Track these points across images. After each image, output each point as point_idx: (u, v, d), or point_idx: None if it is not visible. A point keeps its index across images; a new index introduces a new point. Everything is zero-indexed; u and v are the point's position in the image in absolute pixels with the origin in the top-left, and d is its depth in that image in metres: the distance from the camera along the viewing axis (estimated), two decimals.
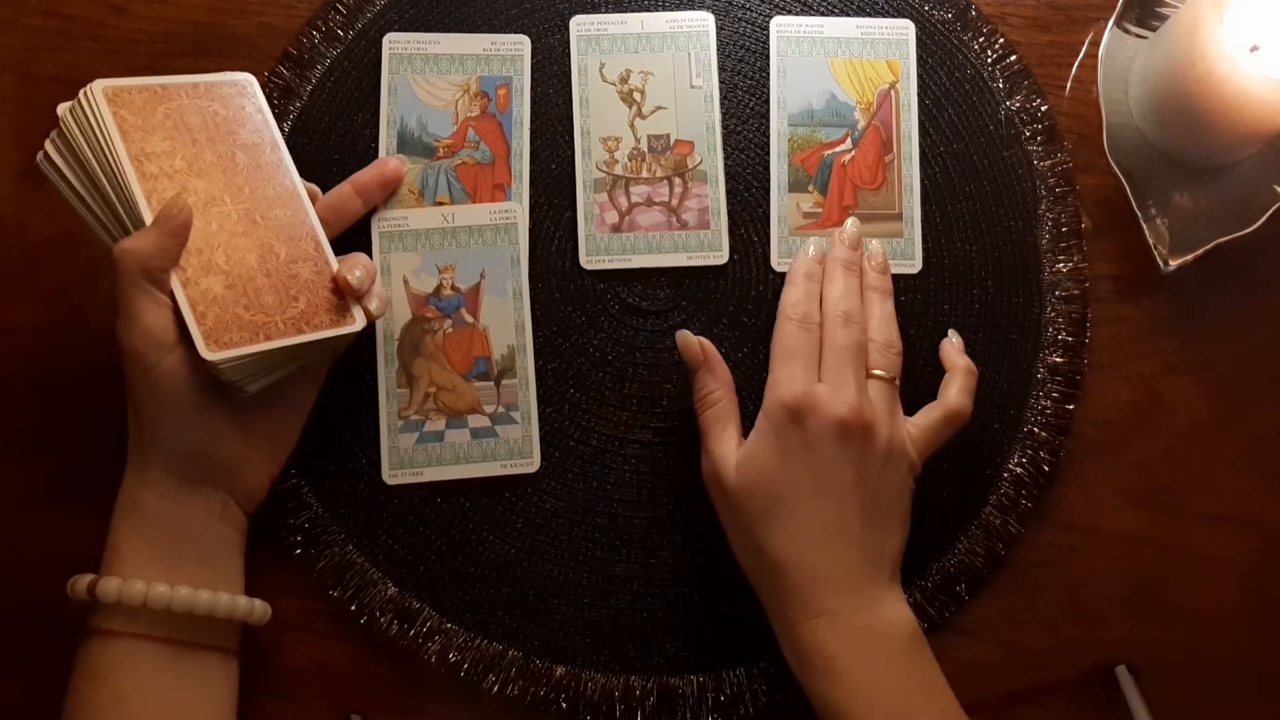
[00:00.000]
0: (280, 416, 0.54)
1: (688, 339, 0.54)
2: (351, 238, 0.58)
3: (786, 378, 0.51)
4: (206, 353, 0.48)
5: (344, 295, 0.52)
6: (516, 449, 0.57)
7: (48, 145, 0.51)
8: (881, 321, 0.55)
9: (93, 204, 0.51)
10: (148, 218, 0.49)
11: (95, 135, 0.50)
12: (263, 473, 0.53)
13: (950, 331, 0.58)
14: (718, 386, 0.54)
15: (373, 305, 0.53)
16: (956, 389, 0.54)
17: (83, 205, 0.51)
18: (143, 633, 0.48)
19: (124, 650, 0.48)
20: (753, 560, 0.51)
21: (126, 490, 0.50)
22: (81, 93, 0.50)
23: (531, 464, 0.57)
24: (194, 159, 0.52)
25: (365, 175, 0.56)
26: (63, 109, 0.51)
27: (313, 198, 0.55)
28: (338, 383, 0.57)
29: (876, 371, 0.53)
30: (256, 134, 0.54)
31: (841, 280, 0.55)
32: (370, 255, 0.58)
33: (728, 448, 0.52)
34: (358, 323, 0.52)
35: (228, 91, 0.54)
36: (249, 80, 0.55)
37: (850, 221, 0.58)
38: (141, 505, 0.50)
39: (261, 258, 0.51)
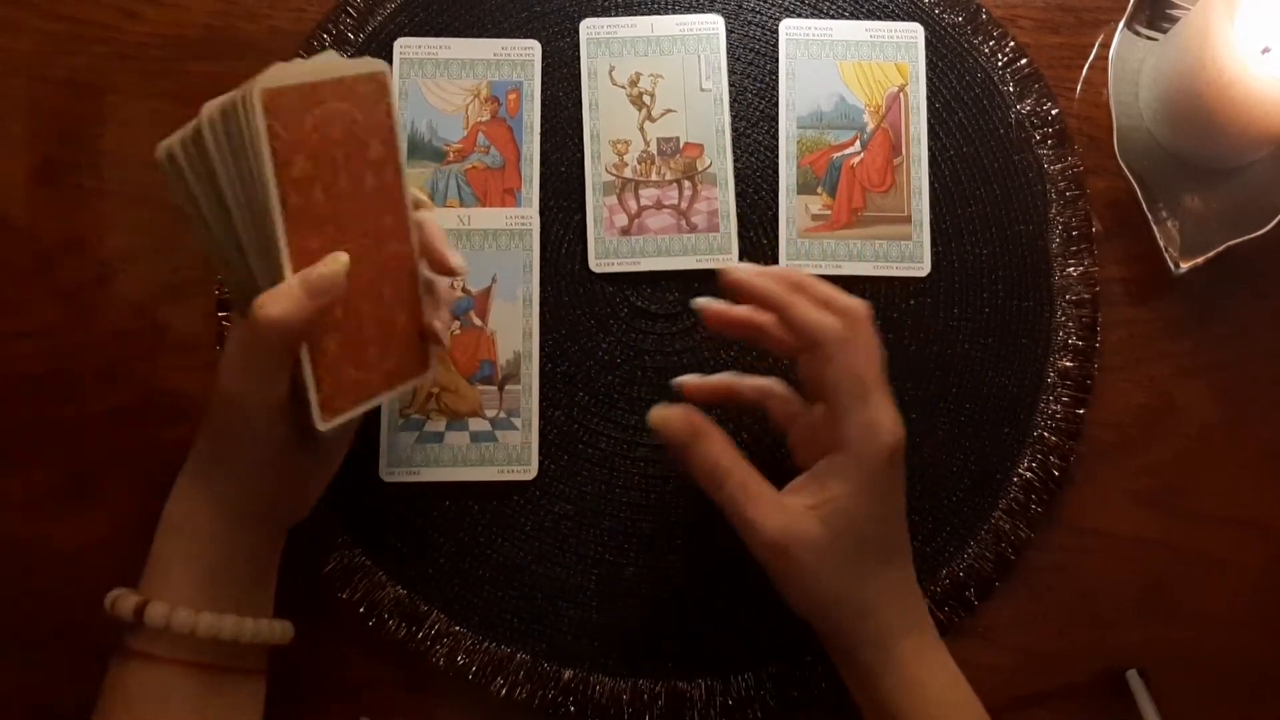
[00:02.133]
0: (336, 447, 0.52)
1: (665, 416, 0.47)
2: None
3: (889, 418, 0.46)
4: (321, 424, 0.44)
5: (426, 340, 0.48)
6: (515, 455, 0.57)
7: (177, 146, 0.42)
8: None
9: (212, 224, 0.43)
10: (286, 267, 0.42)
11: (244, 155, 0.41)
12: (315, 498, 0.52)
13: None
14: (721, 452, 0.47)
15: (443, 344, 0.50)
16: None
17: (200, 221, 0.43)
18: (185, 659, 0.47)
19: (163, 676, 0.46)
20: (829, 610, 0.48)
21: (179, 509, 0.48)
22: (239, 98, 0.41)
23: (529, 471, 0.57)
24: (330, 185, 0.43)
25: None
26: (211, 110, 0.41)
27: (419, 205, 0.48)
28: None
29: None
30: (385, 146, 0.45)
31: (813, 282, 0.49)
32: None
33: (783, 512, 0.46)
34: (431, 369, 0.49)
35: (366, 89, 0.44)
36: (386, 72, 0.45)
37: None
38: (196, 528, 0.48)
39: (373, 304, 0.45)
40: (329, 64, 0.43)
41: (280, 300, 0.42)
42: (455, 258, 0.49)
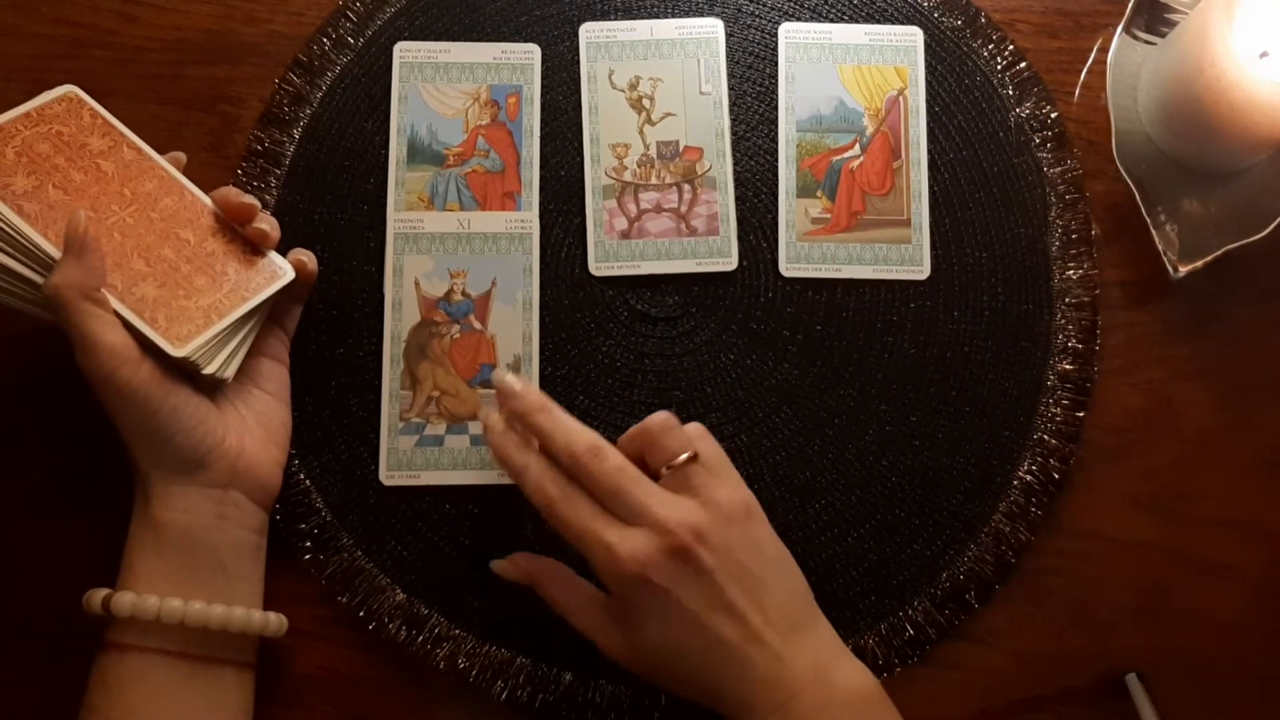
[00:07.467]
0: (261, 401, 0.54)
1: (503, 569, 0.53)
2: (365, 236, 0.58)
3: (602, 551, 0.46)
4: (175, 350, 0.49)
5: (261, 252, 0.54)
6: None
7: None
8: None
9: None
10: (55, 251, 0.48)
11: None
12: (267, 460, 0.53)
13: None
14: (557, 593, 0.51)
15: (304, 258, 0.55)
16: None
17: None
18: (156, 647, 0.48)
19: (137, 664, 0.48)
20: (694, 697, 0.49)
21: (137, 508, 0.50)
22: None
23: None
24: (64, 184, 0.51)
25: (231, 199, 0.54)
26: None
27: (175, 163, 0.54)
28: (348, 389, 0.57)
29: (666, 469, 0.49)
30: (107, 138, 0.53)
31: (550, 423, 0.49)
32: (384, 256, 0.58)
33: (615, 630, 0.49)
34: (287, 273, 0.54)
35: (59, 109, 0.52)
36: (73, 91, 0.53)
37: (496, 372, 0.54)
38: (152, 522, 0.49)
39: (175, 248, 0.52)
40: (17, 109, 0.52)
41: (55, 271, 0.47)
42: (241, 197, 0.53)
